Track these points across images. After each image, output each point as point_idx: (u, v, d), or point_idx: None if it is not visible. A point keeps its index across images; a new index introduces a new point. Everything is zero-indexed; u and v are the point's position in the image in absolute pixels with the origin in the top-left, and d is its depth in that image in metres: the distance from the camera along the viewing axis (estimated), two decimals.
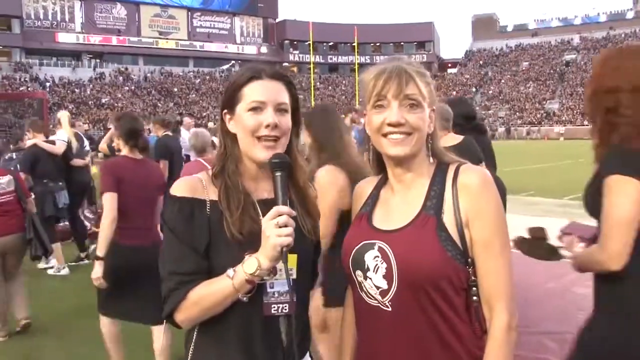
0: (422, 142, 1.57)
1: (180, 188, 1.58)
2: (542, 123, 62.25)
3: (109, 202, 3.81)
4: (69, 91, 58.84)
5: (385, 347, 1.53)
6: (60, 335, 5.16)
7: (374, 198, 1.68)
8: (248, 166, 1.63)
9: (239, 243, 1.51)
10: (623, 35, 74.34)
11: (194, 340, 1.61)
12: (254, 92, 1.58)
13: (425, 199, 1.54)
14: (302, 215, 1.64)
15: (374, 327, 1.56)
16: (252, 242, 1.49)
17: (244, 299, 1.49)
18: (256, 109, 1.57)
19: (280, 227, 1.42)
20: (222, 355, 1.57)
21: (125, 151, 4.08)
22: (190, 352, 1.62)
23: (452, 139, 3.95)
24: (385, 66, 1.55)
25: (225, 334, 1.56)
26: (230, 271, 1.47)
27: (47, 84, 57.63)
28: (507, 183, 4.20)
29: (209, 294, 1.49)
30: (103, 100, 58.52)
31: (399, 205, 1.59)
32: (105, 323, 4.03)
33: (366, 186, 1.75)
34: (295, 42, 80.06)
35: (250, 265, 1.44)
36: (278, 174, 1.52)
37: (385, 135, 1.54)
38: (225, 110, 1.64)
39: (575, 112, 61.59)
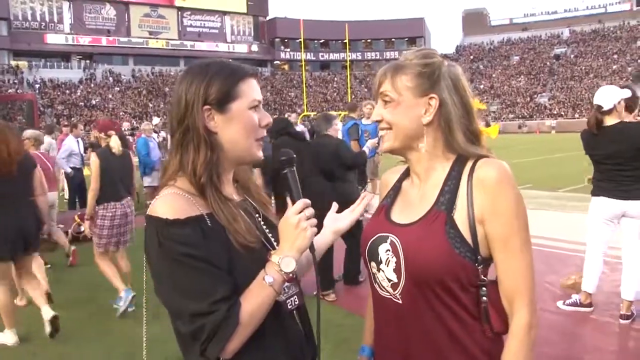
0: (409, 136, 1.54)
1: (175, 209, 1.37)
2: (534, 117, 62.45)
3: None
4: (58, 93, 58.53)
5: (397, 338, 1.54)
6: None
7: (395, 190, 1.68)
8: (226, 169, 1.51)
9: (250, 250, 1.42)
10: (612, 28, 74.81)
11: None
12: (252, 90, 1.49)
13: (439, 194, 1.50)
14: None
15: (386, 318, 1.57)
16: (260, 245, 1.46)
17: (283, 298, 1.46)
18: (256, 107, 1.49)
19: (308, 218, 1.41)
20: None
21: None
22: None
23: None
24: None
25: (264, 345, 1.43)
26: (267, 277, 1.36)
27: (37, 86, 57.32)
28: None
29: (256, 308, 1.36)
30: (94, 102, 58.28)
31: (415, 199, 1.58)
32: None
33: (391, 177, 1.75)
34: (286, 40, 79.90)
35: (288, 263, 1.38)
36: (292, 169, 1.50)
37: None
38: (207, 107, 1.44)
39: (566, 105, 61.84)
